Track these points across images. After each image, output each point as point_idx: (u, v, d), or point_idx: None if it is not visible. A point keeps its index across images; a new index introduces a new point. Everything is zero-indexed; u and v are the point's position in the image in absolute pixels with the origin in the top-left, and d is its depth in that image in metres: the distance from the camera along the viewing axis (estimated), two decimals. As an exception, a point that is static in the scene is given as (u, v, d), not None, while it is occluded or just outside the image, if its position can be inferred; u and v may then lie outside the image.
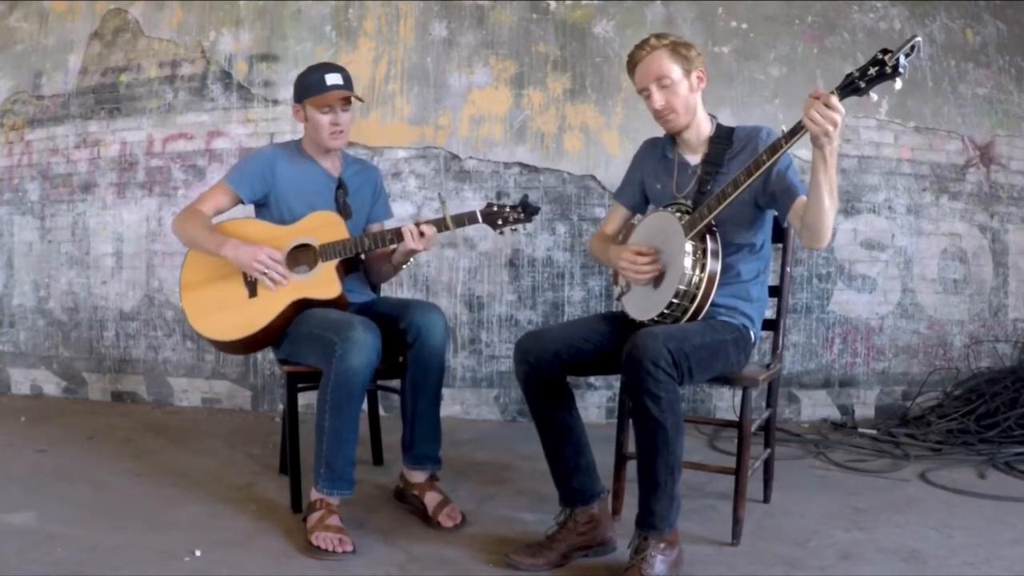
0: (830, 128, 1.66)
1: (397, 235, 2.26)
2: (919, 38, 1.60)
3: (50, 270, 3.94)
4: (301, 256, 2.30)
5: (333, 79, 2.32)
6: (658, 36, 2.05)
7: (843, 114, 1.66)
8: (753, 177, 1.81)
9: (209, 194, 2.36)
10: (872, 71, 1.61)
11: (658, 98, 2.03)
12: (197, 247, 2.31)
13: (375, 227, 2.54)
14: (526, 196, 2.31)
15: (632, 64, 2.07)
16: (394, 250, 2.36)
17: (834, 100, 1.66)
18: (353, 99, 2.35)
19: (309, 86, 2.33)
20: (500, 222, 2.28)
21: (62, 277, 3.92)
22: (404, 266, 2.40)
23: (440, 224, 2.25)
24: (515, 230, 2.31)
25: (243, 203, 2.38)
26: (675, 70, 2.01)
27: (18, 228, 4.00)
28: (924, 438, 3.14)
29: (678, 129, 2.09)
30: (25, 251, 4.00)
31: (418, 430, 2.29)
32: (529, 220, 2.29)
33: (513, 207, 2.28)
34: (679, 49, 2.02)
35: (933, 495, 2.50)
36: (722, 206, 1.87)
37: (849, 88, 1.65)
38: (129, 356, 3.82)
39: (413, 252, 2.29)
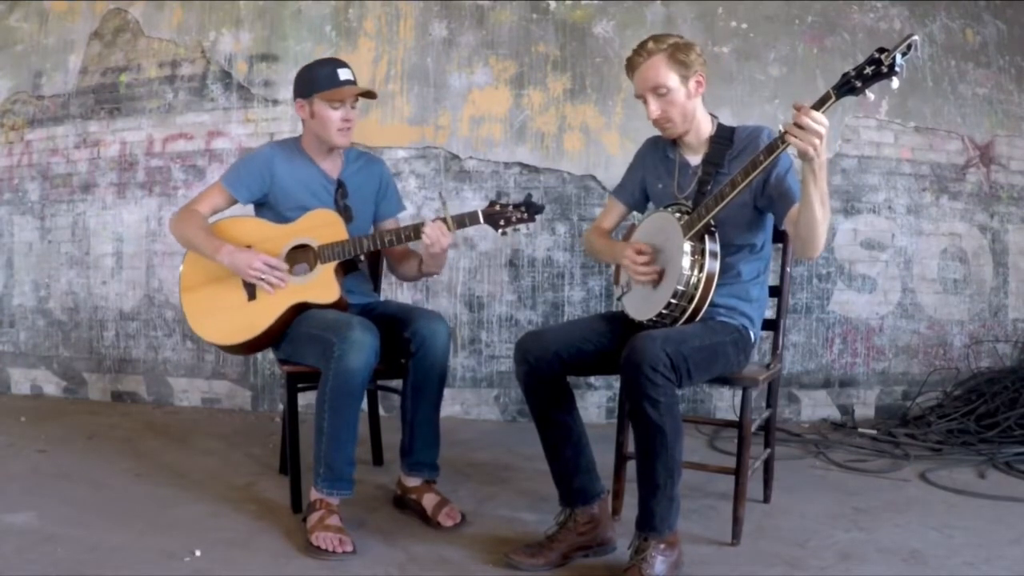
0: (816, 142, 1.64)
1: (415, 232, 2.22)
2: (916, 37, 1.59)
3: (50, 270, 3.94)
4: (300, 255, 2.29)
5: (346, 74, 2.28)
6: (656, 39, 2.00)
7: (827, 126, 1.64)
8: (750, 178, 1.81)
9: (206, 194, 2.34)
10: (868, 70, 1.60)
11: (654, 108, 2.00)
12: (194, 250, 2.30)
13: (389, 223, 2.49)
14: (530, 195, 2.25)
15: (630, 68, 2.04)
16: (415, 255, 2.33)
17: (815, 113, 1.63)
18: (357, 96, 2.31)
19: (320, 80, 2.26)
20: (502, 222, 2.21)
21: (62, 277, 3.92)
22: (434, 275, 2.38)
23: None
24: (517, 230, 2.24)
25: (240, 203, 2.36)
26: (672, 78, 1.97)
27: (18, 228, 4.00)
28: (924, 438, 3.14)
29: (676, 136, 2.08)
30: (25, 251, 3.99)
31: (417, 437, 2.28)
32: (532, 220, 2.22)
33: (516, 206, 2.21)
34: (678, 55, 1.97)
35: (933, 495, 2.50)
36: (720, 207, 1.86)
37: (845, 88, 1.64)
38: (129, 356, 3.82)
39: (442, 253, 2.24)
